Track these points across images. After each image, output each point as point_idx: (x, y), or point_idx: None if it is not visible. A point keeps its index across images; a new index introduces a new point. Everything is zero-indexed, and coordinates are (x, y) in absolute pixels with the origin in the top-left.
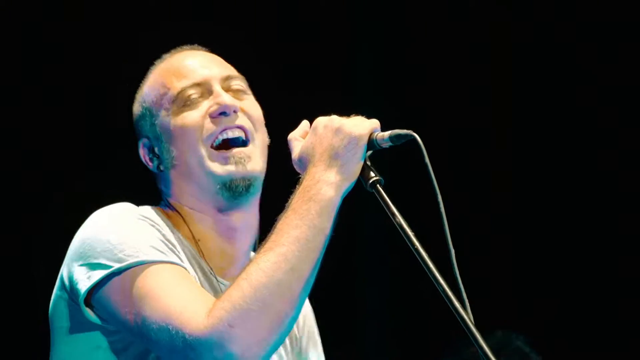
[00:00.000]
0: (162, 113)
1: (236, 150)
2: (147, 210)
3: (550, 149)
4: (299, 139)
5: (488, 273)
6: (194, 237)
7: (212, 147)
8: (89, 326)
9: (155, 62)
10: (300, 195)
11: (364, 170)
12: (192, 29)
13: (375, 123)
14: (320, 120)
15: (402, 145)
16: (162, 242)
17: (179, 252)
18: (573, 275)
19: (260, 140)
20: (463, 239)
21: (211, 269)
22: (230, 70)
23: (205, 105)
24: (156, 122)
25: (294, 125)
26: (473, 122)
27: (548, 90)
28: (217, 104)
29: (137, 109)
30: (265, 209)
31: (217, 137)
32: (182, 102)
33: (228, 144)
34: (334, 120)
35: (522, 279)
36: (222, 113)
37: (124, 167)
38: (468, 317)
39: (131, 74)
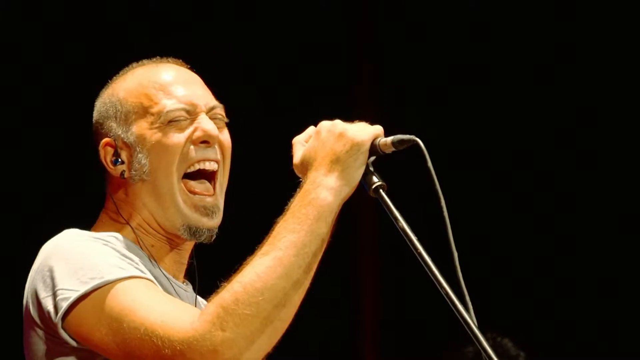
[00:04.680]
0: (143, 124)
1: (208, 200)
2: (93, 233)
3: (550, 149)
4: (303, 143)
5: (490, 275)
6: (141, 243)
7: (185, 173)
8: (68, 352)
9: (133, 65)
10: (300, 199)
11: (367, 175)
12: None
13: (378, 129)
14: (324, 125)
15: (405, 150)
16: (120, 258)
17: (137, 263)
18: (572, 277)
19: (225, 178)
20: (466, 242)
21: (166, 273)
22: (213, 98)
23: (189, 130)
24: (134, 130)
25: (292, 128)
26: (473, 123)
27: (548, 90)
28: (203, 131)
29: (107, 108)
30: (265, 211)
31: (193, 164)
32: (167, 120)
33: (199, 175)
34: (337, 125)
35: (523, 281)
36: (204, 141)
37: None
38: (472, 321)
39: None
